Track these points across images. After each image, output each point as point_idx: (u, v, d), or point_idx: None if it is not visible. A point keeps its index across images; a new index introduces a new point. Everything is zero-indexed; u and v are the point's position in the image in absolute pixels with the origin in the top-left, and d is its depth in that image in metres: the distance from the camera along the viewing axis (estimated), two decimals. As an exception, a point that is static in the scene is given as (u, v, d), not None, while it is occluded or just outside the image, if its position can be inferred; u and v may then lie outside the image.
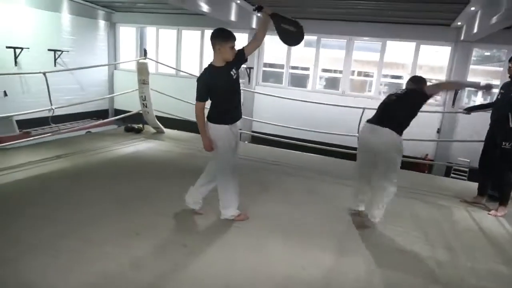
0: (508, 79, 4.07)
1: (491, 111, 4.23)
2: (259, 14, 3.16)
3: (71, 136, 6.15)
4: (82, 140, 5.91)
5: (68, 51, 10.28)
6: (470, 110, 4.64)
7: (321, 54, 10.13)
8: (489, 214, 4.06)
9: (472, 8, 6.84)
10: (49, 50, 9.81)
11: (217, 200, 3.29)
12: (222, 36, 2.91)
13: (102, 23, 11.66)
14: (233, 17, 8.81)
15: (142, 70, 6.33)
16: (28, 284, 2.32)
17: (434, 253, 3.09)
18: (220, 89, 3.00)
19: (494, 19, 5.78)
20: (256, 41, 3.11)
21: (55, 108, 5.17)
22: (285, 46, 10.25)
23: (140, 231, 3.04)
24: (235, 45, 2.96)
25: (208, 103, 3.11)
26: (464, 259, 3.03)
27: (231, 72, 3.01)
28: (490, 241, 3.44)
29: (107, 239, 2.88)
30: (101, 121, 7.22)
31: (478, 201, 4.31)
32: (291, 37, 3.14)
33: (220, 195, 3.24)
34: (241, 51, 3.07)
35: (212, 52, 2.99)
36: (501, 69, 8.61)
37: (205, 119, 3.09)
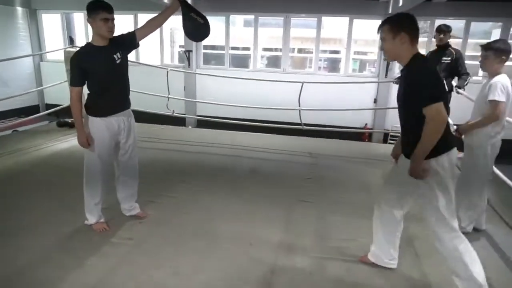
0: (435, 48, 4.50)
1: None
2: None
3: (-5, 136, 5.62)
4: (9, 140, 5.41)
5: (-19, 44, 9.24)
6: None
7: (260, 33, 10.09)
8: None
9: (397, -18, 7.17)
10: (-41, 43, 8.75)
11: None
12: (91, 8, 2.50)
13: (20, 10, 10.56)
14: (165, -1, 8.43)
15: (69, 59, 5.88)
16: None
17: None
18: (99, 73, 2.61)
19: (416, -8, 6.12)
20: (153, 25, 2.80)
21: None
22: (223, 26, 10.20)
23: (82, 230, 2.89)
24: (110, 17, 2.52)
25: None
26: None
27: (114, 56, 2.63)
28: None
29: (48, 243, 2.71)
30: (28, 118, 6.63)
31: None
32: (198, 29, 2.88)
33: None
34: (132, 34, 2.74)
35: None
36: (426, 39, 9.23)
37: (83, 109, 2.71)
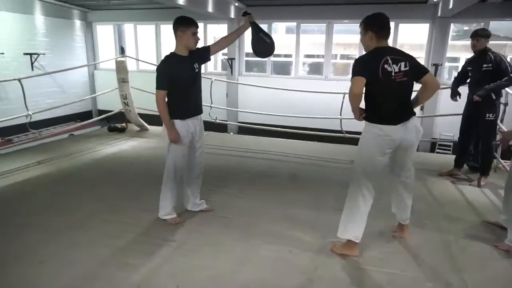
0: (473, 56, 4.17)
1: (468, 87, 4.31)
2: (243, 17, 3.15)
3: (54, 140, 6.07)
4: (65, 144, 5.83)
5: (44, 54, 10.05)
6: (454, 95, 4.47)
7: (302, 40, 10.09)
8: (470, 185, 4.16)
9: (447, -16, 6.86)
10: (25, 54, 9.58)
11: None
12: (183, 22, 2.85)
13: (78, 23, 11.40)
14: (210, 9, 8.70)
15: (121, 68, 6.25)
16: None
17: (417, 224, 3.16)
18: (182, 80, 2.90)
19: (468, -7, 5.82)
20: (225, 42, 3.17)
21: (33, 113, 5.09)
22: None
23: (128, 229, 3.03)
24: (197, 32, 2.90)
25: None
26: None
27: (194, 65, 2.97)
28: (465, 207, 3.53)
29: (94, 241, 2.87)
30: (83, 123, 7.11)
31: (454, 173, 4.44)
32: (264, 47, 3.16)
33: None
34: (207, 48, 3.07)
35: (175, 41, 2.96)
36: (479, 42, 8.72)
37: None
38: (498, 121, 4.57)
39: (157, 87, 2.87)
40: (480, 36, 4.03)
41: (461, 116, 4.47)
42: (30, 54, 9.67)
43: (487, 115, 4.05)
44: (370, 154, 2.55)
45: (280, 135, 6.45)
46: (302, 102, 8.99)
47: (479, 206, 3.64)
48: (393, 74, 2.44)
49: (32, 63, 9.71)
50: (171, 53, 2.94)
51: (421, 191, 4.01)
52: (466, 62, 4.35)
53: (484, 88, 3.92)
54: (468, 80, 4.36)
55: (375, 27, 2.50)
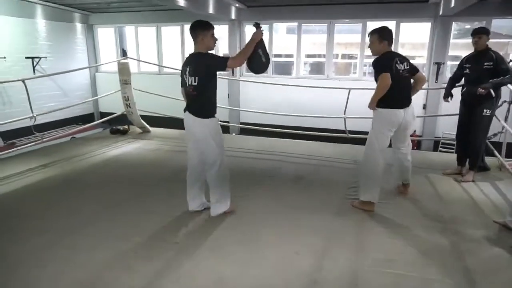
0: (472, 52, 4.16)
1: (463, 86, 4.34)
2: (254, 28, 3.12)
3: (56, 143, 6.07)
4: (67, 147, 5.83)
5: (46, 58, 10.06)
6: (447, 96, 4.54)
7: (303, 40, 10.07)
8: (462, 181, 4.21)
9: (448, -18, 6.84)
10: (27, 57, 9.60)
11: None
12: (203, 26, 3.01)
13: (79, 26, 11.42)
14: (211, 10, 8.69)
15: (123, 70, 6.25)
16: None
17: (417, 225, 3.14)
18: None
19: (469, -9, 5.79)
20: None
21: (37, 115, 5.08)
22: (266, 34, 10.29)
23: (132, 232, 3.03)
24: (214, 33, 3.08)
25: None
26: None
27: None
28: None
29: (97, 244, 2.86)
30: (85, 126, 7.12)
31: (459, 172, 4.41)
32: (259, 65, 3.16)
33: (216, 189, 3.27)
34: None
35: (193, 44, 3.05)
36: (482, 40, 8.68)
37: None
38: (501, 119, 4.57)
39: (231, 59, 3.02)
40: (482, 33, 4.02)
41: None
42: (32, 58, 9.69)
43: (485, 110, 4.07)
44: (382, 130, 3.35)
45: (283, 135, 6.44)
46: (304, 102, 8.99)
47: (485, 206, 3.61)
48: (401, 71, 3.28)
49: (34, 67, 9.73)
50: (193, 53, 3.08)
51: (427, 191, 3.99)
52: (463, 60, 4.32)
53: (489, 82, 3.92)
54: (463, 79, 4.37)
55: (388, 37, 3.33)
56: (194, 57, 3.03)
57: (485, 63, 3.99)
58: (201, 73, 2.97)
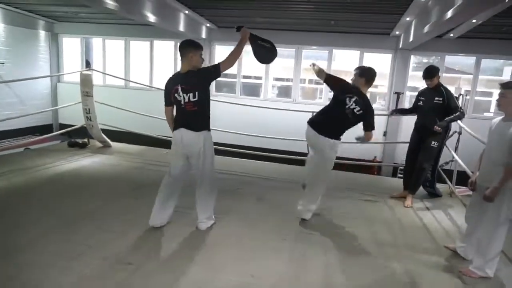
0: (426, 87, 4.52)
1: (417, 116, 4.68)
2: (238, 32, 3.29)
3: (8, 153, 5.71)
4: (19, 158, 5.49)
5: (3, 63, 9.59)
6: (393, 112, 5.19)
7: (272, 63, 10.29)
8: (405, 206, 4.42)
9: (408, 19, 7.31)
10: (-18, 62, 9.11)
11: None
12: (195, 45, 3.12)
13: (42, 34, 11.03)
14: (181, 28, 8.72)
15: (86, 81, 6.06)
16: None
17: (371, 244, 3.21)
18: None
19: (426, 28, 6.22)
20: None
21: (-12, 123, 4.78)
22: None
23: (84, 251, 2.86)
24: (202, 53, 3.19)
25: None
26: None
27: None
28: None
29: (48, 262, 2.68)
30: (41, 137, 6.77)
31: (404, 195, 4.67)
32: (267, 52, 3.33)
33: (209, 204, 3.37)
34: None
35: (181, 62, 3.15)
36: (437, 74, 9.30)
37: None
38: (452, 149, 4.89)
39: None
40: (433, 76, 4.34)
41: None
42: (-13, 63, 9.21)
43: (433, 142, 4.40)
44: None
45: (248, 156, 6.44)
46: (271, 124, 9.09)
47: (436, 232, 3.76)
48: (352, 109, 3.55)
49: (-11, 72, 9.24)
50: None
51: (383, 216, 4.10)
52: (418, 93, 4.72)
53: (445, 120, 4.27)
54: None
55: (371, 80, 3.64)
56: (187, 75, 3.08)
57: (436, 98, 4.35)
58: (200, 87, 3.08)
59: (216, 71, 3.12)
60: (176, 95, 3.08)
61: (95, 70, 7.15)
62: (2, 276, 2.50)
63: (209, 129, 3.23)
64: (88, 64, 11.24)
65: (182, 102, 3.08)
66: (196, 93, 3.05)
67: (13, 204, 3.76)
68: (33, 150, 6.28)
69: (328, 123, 3.57)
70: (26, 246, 2.90)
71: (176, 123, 3.20)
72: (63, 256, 2.79)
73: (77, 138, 6.51)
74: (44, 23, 10.90)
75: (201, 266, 2.80)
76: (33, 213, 3.52)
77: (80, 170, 5.08)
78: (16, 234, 3.09)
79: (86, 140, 6.43)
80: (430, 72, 4.36)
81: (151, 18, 7.57)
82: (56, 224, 3.32)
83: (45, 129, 10.57)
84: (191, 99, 3.05)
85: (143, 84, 8.86)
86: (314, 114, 3.80)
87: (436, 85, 4.39)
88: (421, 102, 4.54)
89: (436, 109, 4.34)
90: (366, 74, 3.60)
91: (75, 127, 6.54)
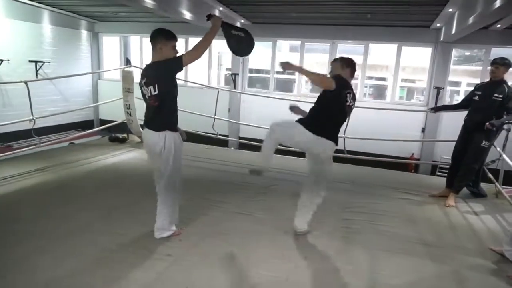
0: (487, 81, 4.16)
1: (467, 112, 4.35)
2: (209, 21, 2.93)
3: (54, 148, 6.04)
4: (64, 152, 5.80)
5: (49, 62, 10.12)
6: (436, 109, 4.93)
7: (305, 59, 10.19)
8: (447, 206, 4.19)
9: (450, 10, 6.97)
10: (30, 61, 9.65)
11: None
12: (165, 35, 2.80)
13: (84, 33, 11.54)
14: (216, 24, 8.81)
15: (127, 78, 6.29)
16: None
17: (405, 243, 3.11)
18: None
19: (470, 20, 5.90)
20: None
21: (36, 118, 5.06)
22: (269, 51, 10.42)
23: (123, 242, 2.98)
24: (176, 45, 2.86)
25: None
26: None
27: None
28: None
29: (88, 252, 2.82)
30: (84, 132, 7.10)
31: (445, 194, 4.40)
32: (241, 42, 3.04)
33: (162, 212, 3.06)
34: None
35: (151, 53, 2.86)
36: (481, 68, 8.81)
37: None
38: (499, 148, 4.60)
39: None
40: (499, 64, 4.01)
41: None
42: (35, 62, 9.74)
43: (484, 142, 4.10)
44: None
45: (281, 152, 6.42)
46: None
47: (482, 233, 3.59)
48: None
49: (36, 71, 9.77)
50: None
51: (425, 215, 3.97)
52: (475, 87, 4.33)
53: (499, 120, 3.96)
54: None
55: (352, 66, 3.26)
56: (150, 67, 2.84)
57: (495, 94, 3.99)
58: (161, 80, 2.78)
59: (177, 63, 2.75)
60: (142, 88, 2.87)
61: (135, 67, 7.40)
62: (45, 264, 2.63)
63: (173, 129, 2.88)
64: (128, 62, 11.62)
65: (147, 97, 2.83)
66: (156, 86, 2.74)
67: (59, 195, 3.98)
68: (77, 145, 6.61)
69: (327, 123, 3.15)
70: (69, 235, 3.04)
71: (144, 121, 2.98)
72: (103, 247, 2.91)
73: (117, 133, 6.78)
74: (86, 23, 11.39)
75: (238, 260, 2.83)
76: (77, 205, 3.71)
77: (119, 164, 5.29)
78: (61, 223, 3.25)
79: (125, 135, 6.67)
80: (502, 60, 3.99)
81: (187, 15, 7.71)
82: (97, 215, 3.47)
83: (87, 124, 11.08)
84: (152, 92, 2.76)
85: (178, 79, 9.05)
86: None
87: (500, 79, 4.02)
88: (476, 97, 4.17)
89: (493, 107, 3.97)
90: (352, 65, 3.20)
91: (115, 122, 6.80)
